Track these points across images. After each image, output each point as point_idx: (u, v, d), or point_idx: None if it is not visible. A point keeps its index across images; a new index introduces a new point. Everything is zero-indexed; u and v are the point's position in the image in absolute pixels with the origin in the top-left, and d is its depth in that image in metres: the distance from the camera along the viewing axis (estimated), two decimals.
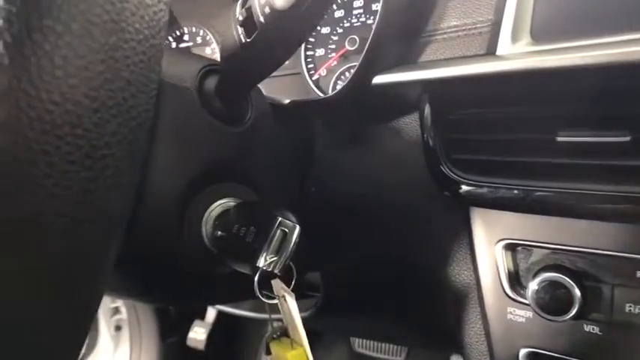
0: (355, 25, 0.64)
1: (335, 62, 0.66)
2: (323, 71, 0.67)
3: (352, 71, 0.64)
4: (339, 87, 0.66)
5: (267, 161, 0.49)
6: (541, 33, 0.40)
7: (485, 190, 0.41)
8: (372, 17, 0.63)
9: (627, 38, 0.34)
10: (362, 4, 0.64)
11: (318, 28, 0.66)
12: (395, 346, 0.89)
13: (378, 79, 0.45)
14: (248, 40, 0.34)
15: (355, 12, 0.64)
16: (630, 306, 0.36)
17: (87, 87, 0.19)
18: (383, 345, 0.91)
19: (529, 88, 0.40)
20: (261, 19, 0.32)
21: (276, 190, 0.49)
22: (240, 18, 0.34)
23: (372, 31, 0.45)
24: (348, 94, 0.47)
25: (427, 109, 0.44)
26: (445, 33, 0.45)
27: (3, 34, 0.17)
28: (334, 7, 0.65)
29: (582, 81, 0.38)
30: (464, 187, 0.43)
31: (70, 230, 0.20)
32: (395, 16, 0.46)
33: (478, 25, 0.43)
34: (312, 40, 0.68)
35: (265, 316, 0.67)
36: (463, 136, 0.44)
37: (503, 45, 0.41)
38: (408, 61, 0.46)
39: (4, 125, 0.18)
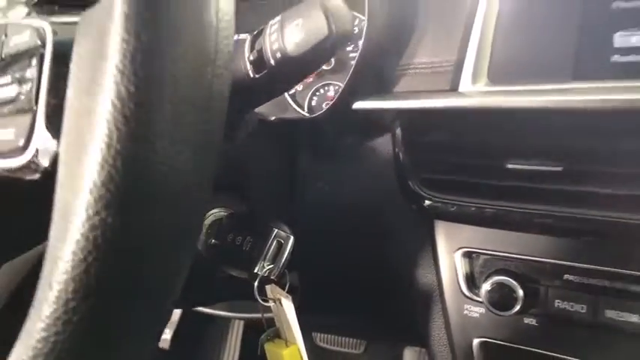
0: None
1: (311, 79, 0.71)
2: (299, 87, 0.72)
3: (327, 88, 0.71)
4: (314, 102, 0.71)
5: (256, 173, 0.54)
6: (497, 75, 0.46)
7: (447, 205, 0.49)
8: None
9: (570, 87, 0.40)
10: None
11: None
12: (354, 341, 0.96)
13: (358, 105, 0.51)
14: (256, 75, 0.39)
15: None
16: (559, 302, 0.45)
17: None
18: (343, 339, 0.98)
19: (484, 122, 0.48)
20: (272, 62, 0.36)
21: (265, 200, 0.54)
22: (252, 58, 0.38)
23: (354, 62, 0.51)
24: (330, 116, 0.53)
25: (399, 132, 0.51)
26: (417, 68, 0.51)
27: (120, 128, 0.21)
28: None
29: (528, 120, 0.45)
30: (428, 202, 0.49)
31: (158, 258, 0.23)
32: (374, 50, 0.52)
33: (444, 64, 0.49)
34: None
35: (252, 315, 0.72)
36: (429, 157, 0.50)
37: (465, 84, 0.47)
38: (384, 89, 0.52)
39: None
